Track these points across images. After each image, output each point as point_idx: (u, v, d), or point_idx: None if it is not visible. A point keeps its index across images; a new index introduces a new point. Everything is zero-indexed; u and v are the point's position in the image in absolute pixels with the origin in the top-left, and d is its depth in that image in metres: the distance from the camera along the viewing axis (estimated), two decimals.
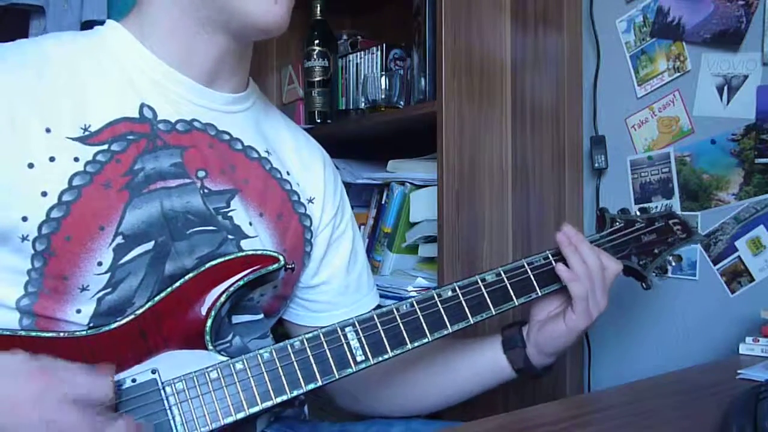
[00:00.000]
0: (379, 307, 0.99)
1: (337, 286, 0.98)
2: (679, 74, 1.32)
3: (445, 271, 1.22)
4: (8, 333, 0.71)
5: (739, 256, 1.23)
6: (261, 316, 0.88)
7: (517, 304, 0.88)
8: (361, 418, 1.13)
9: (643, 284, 0.98)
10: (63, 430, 0.60)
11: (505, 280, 0.88)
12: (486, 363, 0.94)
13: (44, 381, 0.61)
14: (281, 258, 0.79)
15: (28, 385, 0.61)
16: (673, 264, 1.01)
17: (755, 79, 1.21)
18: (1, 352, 0.64)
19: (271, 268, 0.78)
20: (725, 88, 1.25)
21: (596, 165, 1.43)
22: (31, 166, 0.71)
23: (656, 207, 1.35)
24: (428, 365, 0.96)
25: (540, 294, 0.89)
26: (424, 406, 1.00)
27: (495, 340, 0.94)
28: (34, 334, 0.72)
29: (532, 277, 0.89)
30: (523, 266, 0.90)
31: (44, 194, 0.71)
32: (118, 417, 0.65)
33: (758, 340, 1.05)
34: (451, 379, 0.96)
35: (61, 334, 0.72)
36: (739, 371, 0.94)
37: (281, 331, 1.00)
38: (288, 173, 0.92)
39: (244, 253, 0.80)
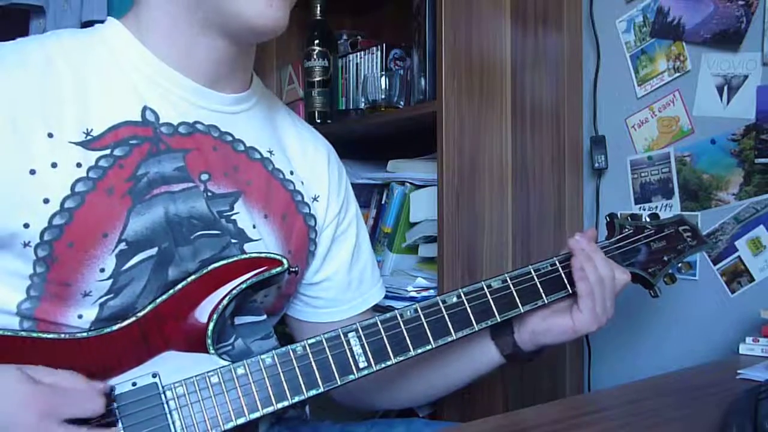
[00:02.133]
0: (380, 307, 0.99)
1: (340, 282, 0.97)
2: (679, 74, 1.32)
3: (445, 271, 1.22)
4: (9, 334, 0.71)
5: (739, 256, 1.23)
6: (264, 317, 0.88)
7: (522, 310, 0.88)
8: (356, 412, 1.13)
9: (651, 292, 0.98)
10: None
11: (511, 286, 0.88)
12: (475, 351, 0.95)
13: (39, 408, 0.64)
14: (285, 261, 0.79)
15: (25, 414, 0.63)
16: (682, 271, 1.00)
17: (755, 79, 1.21)
18: None
19: (274, 271, 0.78)
20: (725, 88, 1.25)
21: (596, 165, 1.43)
22: (32, 172, 0.71)
23: (656, 207, 1.35)
24: (423, 361, 0.96)
25: (546, 301, 0.89)
26: (417, 398, 1.01)
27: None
28: (35, 335, 0.71)
29: (538, 283, 0.89)
30: (530, 273, 0.90)
31: (46, 201, 0.71)
32: None
33: (758, 340, 1.05)
34: (443, 372, 0.97)
35: (62, 336, 0.72)
36: (739, 371, 0.94)
37: (280, 330, 1.00)
38: (292, 172, 0.91)
39: (247, 256, 0.79)
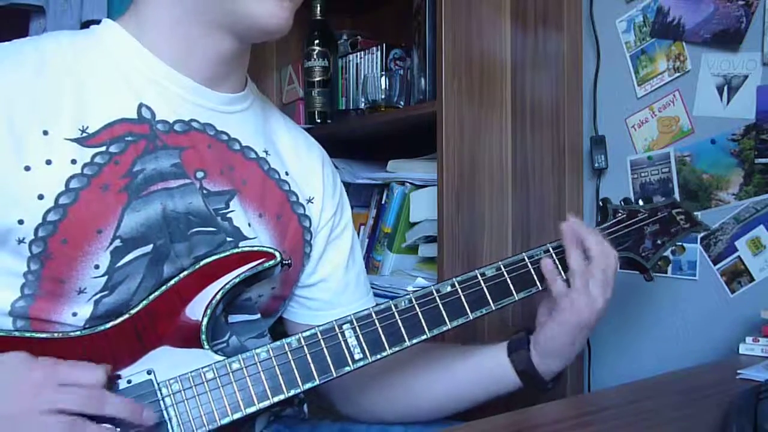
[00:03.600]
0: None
1: (336, 284, 0.97)
2: (679, 74, 1.32)
3: (445, 271, 1.22)
4: (3, 334, 0.71)
5: (739, 256, 1.23)
6: (258, 316, 0.88)
7: (517, 298, 0.86)
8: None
9: (646, 276, 0.97)
10: (65, 410, 0.65)
11: (505, 274, 0.86)
12: (487, 365, 0.91)
13: (42, 370, 0.66)
14: (278, 254, 0.78)
15: (27, 375, 0.66)
16: (677, 254, 1.00)
17: (755, 79, 1.21)
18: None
19: (267, 264, 0.78)
20: (725, 88, 1.25)
21: (596, 165, 1.43)
22: (27, 168, 0.71)
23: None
24: (428, 368, 0.94)
25: (540, 288, 0.87)
26: (422, 412, 0.97)
27: (500, 344, 0.92)
28: (28, 334, 0.71)
29: (532, 270, 0.88)
30: (524, 260, 0.88)
31: (41, 197, 0.71)
32: (116, 395, 0.69)
33: (758, 340, 1.05)
34: (450, 382, 0.94)
35: (56, 335, 0.72)
36: (739, 371, 0.94)
37: (280, 330, 1.00)
38: (287, 173, 0.91)
39: (239, 250, 0.79)
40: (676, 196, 1.32)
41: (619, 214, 0.97)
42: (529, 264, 0.88)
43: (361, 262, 1.02)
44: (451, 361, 0.94)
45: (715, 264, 1.26)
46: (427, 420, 0.97)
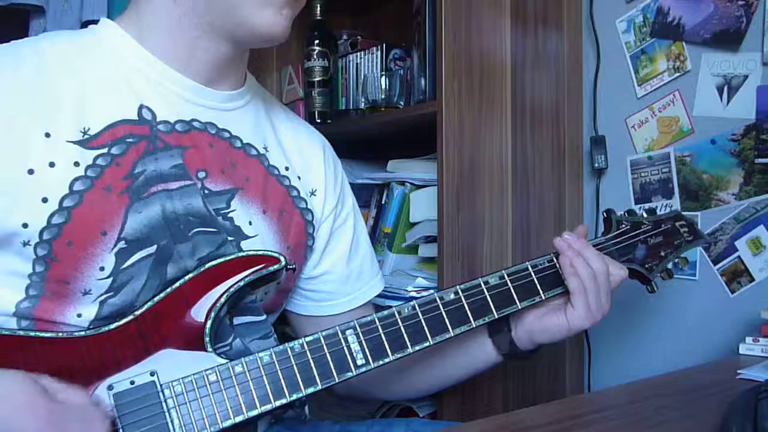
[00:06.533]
0: (380, 308, 1.00)
1: (339, 275, 0.98)
2: (679, 74, 1.32)
3: (445, 271, 1.22)
4: (7, 333, 0.71)
5: (739, 256, 1.23)
6: (263, 317, 0.88)
7: (519, 307, 0.88)
8: (355, 402, 1.13)
9: (648, 287, 0.98)
10: None
11: (509, 282, 0.88)
12: (473, 348, 0.96)
13: (49, 426, 0.62)
14: (282, 259, 0.79)
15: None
16: (680, 267, 1.00)
17: (755, 79, 1.21)
18: (6, 378, 0.63)
19: (271, 269, 0.78)
20: (725, 88, 1.25)
21: (596, 165, 1.43)
22: (31, 172, 0.71)
23: (657, 207, 1.35)
24: (420, 354, 0.96)
25: (543, 297, 0.89)
26: (415, 393, 1.03)
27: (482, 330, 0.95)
28: (32, 334, 0.71)
29: (535, 279, 0.89)
30: (527, 269, 0.90)
31: (45, 200, 0.71)
32: None
33: (758, 340, 1.05)
34: (441, 366, 0.97)
35: (60, 335, 0.72)
36: (739, 371, 0.94)
37: (281, 330, 1.00)
38: (287, 168, 0.91)
39: (244, 254, 0.79)
40: (677, 196, 1.32)
41: (623, 226, 0.98)
42: (532, 273, 0.90)
43: (365, 248, 1.03)
44: (443, 350, 0.96)
45: (715, 264, 1.26)
46: (415, 397, 0.99)
